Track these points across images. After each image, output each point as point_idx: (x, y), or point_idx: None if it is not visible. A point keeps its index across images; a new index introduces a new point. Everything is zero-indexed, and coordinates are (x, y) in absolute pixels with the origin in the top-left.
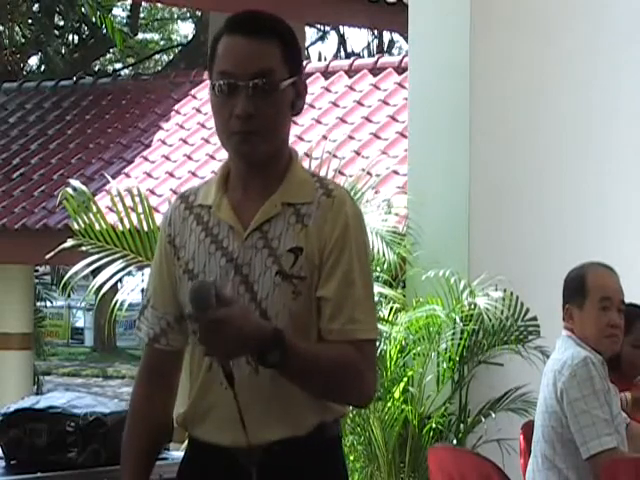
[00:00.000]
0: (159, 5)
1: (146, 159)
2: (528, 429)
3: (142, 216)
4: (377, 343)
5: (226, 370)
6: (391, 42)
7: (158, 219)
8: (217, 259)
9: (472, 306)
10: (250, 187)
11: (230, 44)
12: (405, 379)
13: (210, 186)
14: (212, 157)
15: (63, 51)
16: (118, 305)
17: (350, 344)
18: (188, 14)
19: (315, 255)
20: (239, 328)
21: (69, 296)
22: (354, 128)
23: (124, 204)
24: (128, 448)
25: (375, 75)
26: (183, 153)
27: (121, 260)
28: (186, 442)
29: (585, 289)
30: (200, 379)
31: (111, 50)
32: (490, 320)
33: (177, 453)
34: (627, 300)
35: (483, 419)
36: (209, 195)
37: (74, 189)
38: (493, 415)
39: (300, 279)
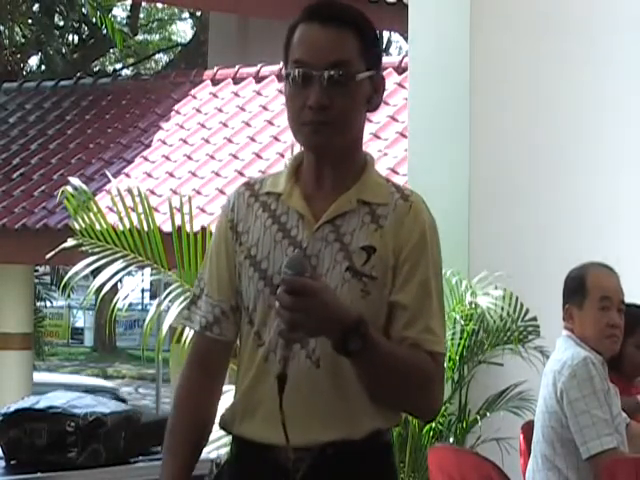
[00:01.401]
0: (159, 5)
1: (146, 159)
2: (528, 429)
3: (142, 216)
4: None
5: (284, 362)
6: (389, 42)
7: (158, 219)
8: (283, 247)
9: (473, 305)
10: (323, 180)
11: (307, 32)
12: None
13: (279, 176)
14: (212, 157)
15: (63, 51)
16: (118, 305)
17: (425, 353)
18: (188, 14)
19: (389, 257)
20: (326, 303)
21: (69, 296)
22: None
23: (124, 204)
24: (173, 440)
25: None
26: (183, 153)
27: (121, 260)
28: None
29: (585, 289)
30: (254, 371)
31: (111, 50)
32: (492, 319)
33: None
34: (627, 300)
35: (482, 419)
36: (278, 184)
37: (74, 188)
38: (491, 414)
39: (371, 278)
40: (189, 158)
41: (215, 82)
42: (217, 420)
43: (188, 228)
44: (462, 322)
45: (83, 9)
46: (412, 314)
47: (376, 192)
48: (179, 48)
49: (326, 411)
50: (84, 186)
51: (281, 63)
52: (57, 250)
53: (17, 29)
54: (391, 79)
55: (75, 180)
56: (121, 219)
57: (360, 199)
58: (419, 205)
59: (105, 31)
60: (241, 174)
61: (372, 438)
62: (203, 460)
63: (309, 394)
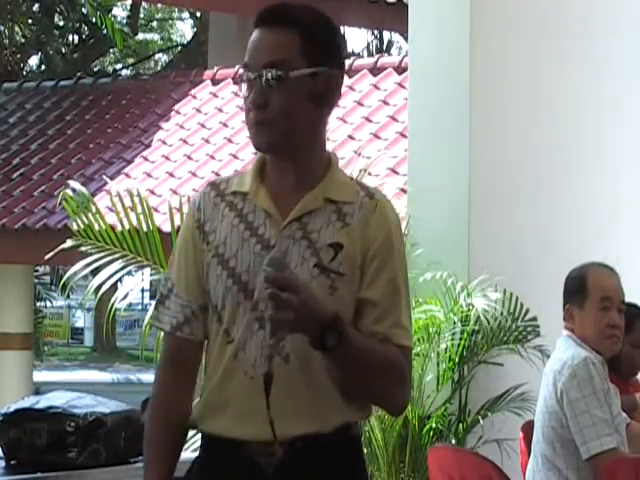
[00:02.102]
0: (159, 5)
1: (146, 159)
2: (528, 429)
3: (141, 216)
4: None
5: (269, 362)
6: (390, 42)
7: (158, 219)
8: (251, 245)
9: (470, 307)
10: (286, 179)
11: (253, 37)
12: None
13: (244, 175)
14: (212, 157)
15: (63, 51)
16: (117, 305)
17: (395, 347)
18: (188, 14)
19: (357, 255)
20: (306, 299)
21: (68, 296)
22: (354, 128)
23: (123, 204)
24: (154, 441)
25: (375, 75)
26: (183, 153)
27: (120, 260)
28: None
29: (586, 289)
30: (222, 368)
31: (111, 50)
32: (488, 322)
33: None
34: (627, 300)
35: (482, 419)
36: (244, 183)
37: (73, 190)
38: (492, 414)
39: (338, 275)
40: (189, 158)
41: (215, 82)
42: None
43: None
44: (459, 324)
45: (83, 9)
46: (382, 310)
47: (342, 190)
48: (179, 48)
49: (297, 406)
50: (83, 188)
51: None
52: (56, 251)
53: (17, 29)
54: (391, 79)
55: (74, 183)
56: (120, 220)
57: (326, 197)
58: (385, 204)
59: (105, 31)
60: None
61: (340, 432)
62: (186, 461)
63: (280, 390)
